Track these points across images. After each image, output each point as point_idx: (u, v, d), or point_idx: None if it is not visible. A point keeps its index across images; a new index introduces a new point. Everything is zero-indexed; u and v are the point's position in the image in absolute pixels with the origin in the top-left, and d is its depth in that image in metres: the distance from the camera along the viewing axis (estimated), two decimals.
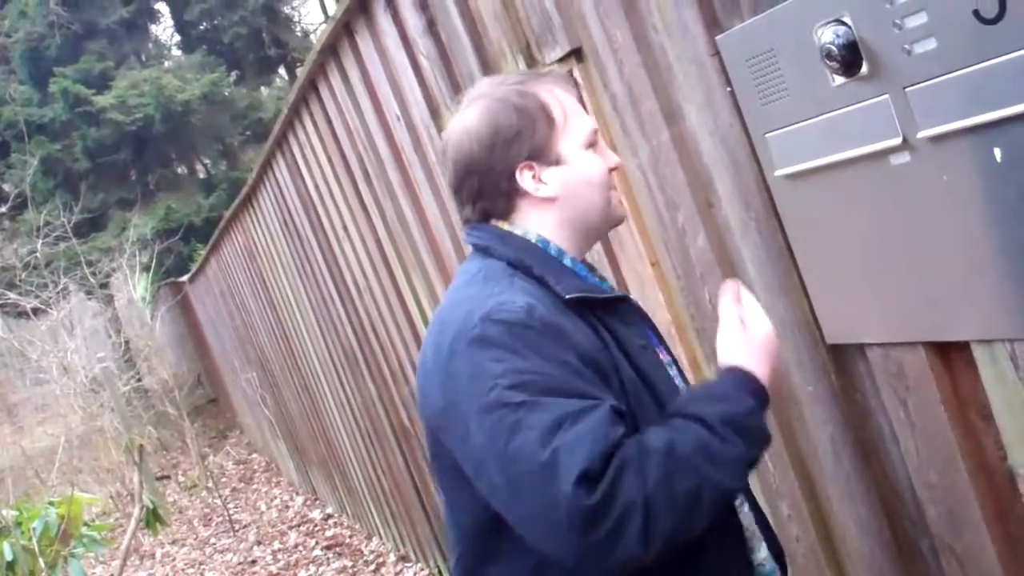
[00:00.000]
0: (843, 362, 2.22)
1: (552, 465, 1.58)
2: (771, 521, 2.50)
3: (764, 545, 1.97)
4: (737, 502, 1.92)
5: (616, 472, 1.57)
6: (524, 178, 1.87)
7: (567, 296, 1.79)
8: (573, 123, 1.91)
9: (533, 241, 1.87)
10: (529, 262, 1.83)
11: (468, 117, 1.91)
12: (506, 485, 1.64)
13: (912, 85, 1.73)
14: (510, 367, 1.65)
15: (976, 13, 1.58)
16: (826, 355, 2.23)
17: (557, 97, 1.92)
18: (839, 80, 1.86)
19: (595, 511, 1.55)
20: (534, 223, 1.89)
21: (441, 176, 3.85)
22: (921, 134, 1.75)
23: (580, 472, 1.55)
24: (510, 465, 1.63)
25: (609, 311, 1.86)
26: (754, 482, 2.58)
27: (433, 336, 1.82)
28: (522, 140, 1.87)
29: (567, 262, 1.89)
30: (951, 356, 1.96)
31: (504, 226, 1.90)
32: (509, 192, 1.88)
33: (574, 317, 1.77)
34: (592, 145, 1.93)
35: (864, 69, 1.80)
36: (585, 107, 2.61)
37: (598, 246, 2.85)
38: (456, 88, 3.43)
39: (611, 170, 1.95)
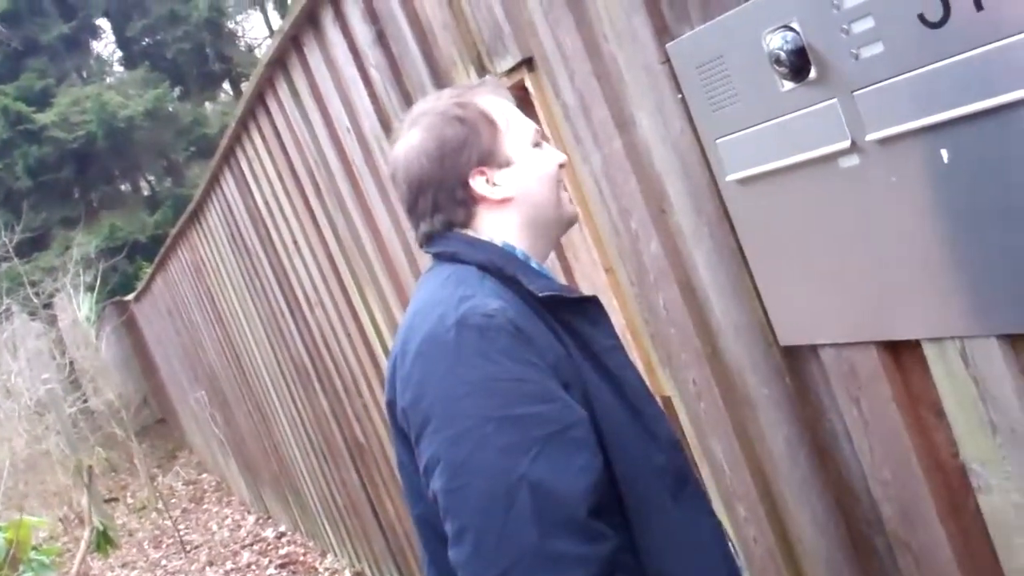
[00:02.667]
0: (796, 363, 2.24)
1: (514, 494, 1.60)
2: (728, 523, 2.54)
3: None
4: None
5: (609, 565, 1.63)
6: (478, 183, 1.88)
7: (541, 294, 1.80)
8: (516, 125, 1.95)
9: (499, 245, 1.89)
10: (500, 263, 1.84)
11: (412, 137, 1.92)
12: (457, 492, 1.65)
13: (860, 89, 1.76)
14: (485, 375, 1.67)
15: (921, 17, 1.61)
16: (779, 357, 2.25)
17: (495, 103, 1.95)
18: (788, 85, 1.89)
19: (557, 558, 1.59)
20: (496, 229, 1.90)
21: (392, 188, 3.84)
22: (869, 137, 1.78)
23: (549, 523, 1.60)
24: (471, 476, 1.64)
25: (578, 312, 1.87)
26: (710, 485, 2.61)
27: (402, 340, 1.83)
28: (470, 148, 1.89)
29: (534, 266, 1.91)
30: (902, 355, 1.99)
31: (469, 233, 1.91)
32: (466, 200, 1.90)
33: (541, 323, 1.79)
34: (537, 145, 1.96)
35: (813, 74, 1.83)
36: (533, 112, 2.63)
37: (552, 255, 2.87)
38: (407, 99, 3.44)
39: (559, 166, 1.98)
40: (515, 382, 1.67)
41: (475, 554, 1.63)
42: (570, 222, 2.03)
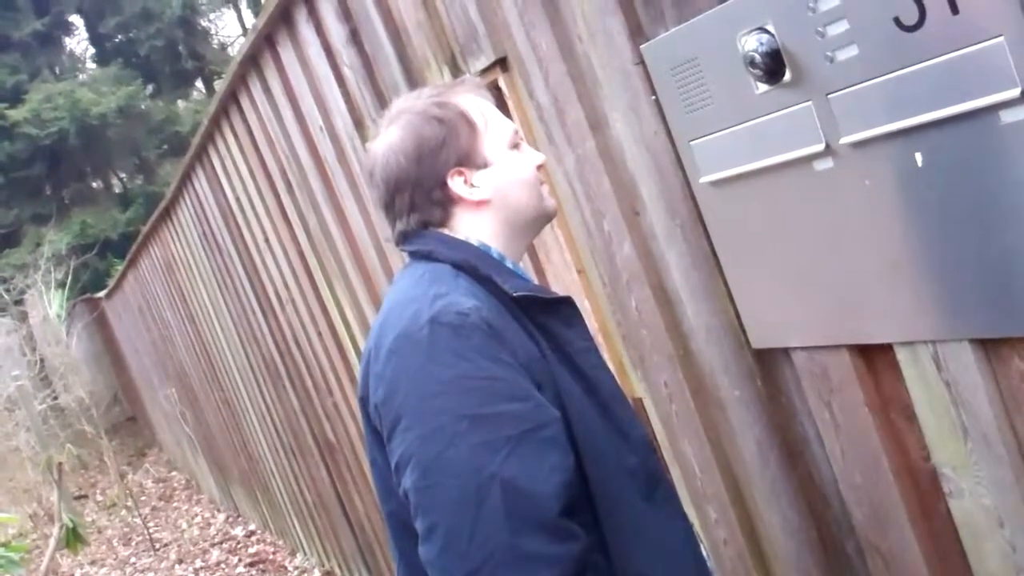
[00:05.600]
0: (769, 366, 2.24)
1: (485, 492, 1.60)
2: (698, 525, 2.54)
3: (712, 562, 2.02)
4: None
5: (579, 565, 1.63)
6: (456, 184, 1.87)
7: (515, 294, 1.80)
8: (494, 126, 1.93)
9: (475, 245, 1.88)
10: (475, 262, 1.83)
11: (391, 135, 1.91)
12: (427, 490, 1.64)
13: (834, 92, 1.76)
14: (458, 373, 1.66)
15: (897, 20, 1.61)
16: (752, 359, 2.25)
17: (474, 103, 1.94)
18: (763, 87, 1.89)
19: (530, 557, 1.59)
20: (472, 229, 1.89)
21: (365, 186, 3.83)
22: (844, 140, 1.78)
23: (518, 523, 1.59)
24: (442, 474, 1.63)
25: (551, 313, 1.86)
26: (681, 487, 2.61)
27: (376, 336, 1.82)
28: (448, 148, 1.87)
29: (509, 265, 1.90)
30: (874, 358, 1.99)
31: (445, 232, 1.90)
32: (443, 200, 1.89)
33: (514, 322, 1.78)
34: (515, 146, 1.94)
35: (787, 76, 1.83)
36: (507, 112, 2.62)
37: (525, 256, 2.86)
38: (380, 98, 3.42)
39: (537, 167, 1.96)
40: (488, 380, 1.67)
41: (445, 551, 1.62)
42: (549, 217, 2.02)
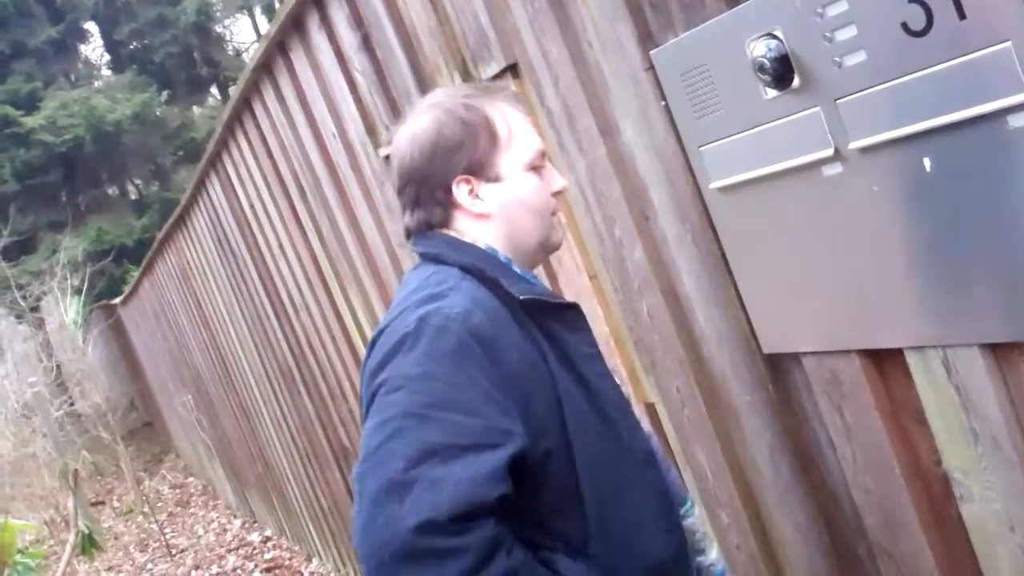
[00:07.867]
0: (780, 371, 2.24)
1: (406, 487, 1.56)
2: (711, 530, 2.54)
3: (715, 545, 1.99)
4: (683, 510, 1.95)
5: (489, 546, 1.57)
6: (460, 191, 1.86)
7: (521, 297, 1.79)
8: (518, 142, 1.89)
9: (482, 248, 1.88)
10: (482, 266, 1.81)
11: (417, 124, 1.90)
12: (362, 477, 1.62)
13: (843, 97, 1.76)
14: (422, 372, 1.65)
15: (904, 26, 1.61)
16: (763, 365, 2.25)
17: (505, 114, 1.90)
18: (771, 93, 1.89)
19: (424, 552, 1.55)
20: (478, 233, 1.88)
21: (377, 192, 3.85)
22: (852, 145, 1.78)
23: (424, 518, 1.53)
24: (376, 463, 1.60)
25: (557, 318, 1.86)
26: (693, 492, 2.61)
27: (373, 335, 1.82)
28: (462, 152, 1.86)
29: (516, 269, 1.89)
30: (885, 363, 2.00)
31: (452, 234, 1.90)
32: (444, 203, 1.88)
33: (515, 326, 1.77)
34: (537, 167, 1.91)
35: (796, 82, 1.83)
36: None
37: None
38: (392, 104, 3.43)
39: (555, 194, 1.93)
40: (448, 386, 1.64)
41: (360, 538, 1.59)
42: (551, 249, 2.00)
